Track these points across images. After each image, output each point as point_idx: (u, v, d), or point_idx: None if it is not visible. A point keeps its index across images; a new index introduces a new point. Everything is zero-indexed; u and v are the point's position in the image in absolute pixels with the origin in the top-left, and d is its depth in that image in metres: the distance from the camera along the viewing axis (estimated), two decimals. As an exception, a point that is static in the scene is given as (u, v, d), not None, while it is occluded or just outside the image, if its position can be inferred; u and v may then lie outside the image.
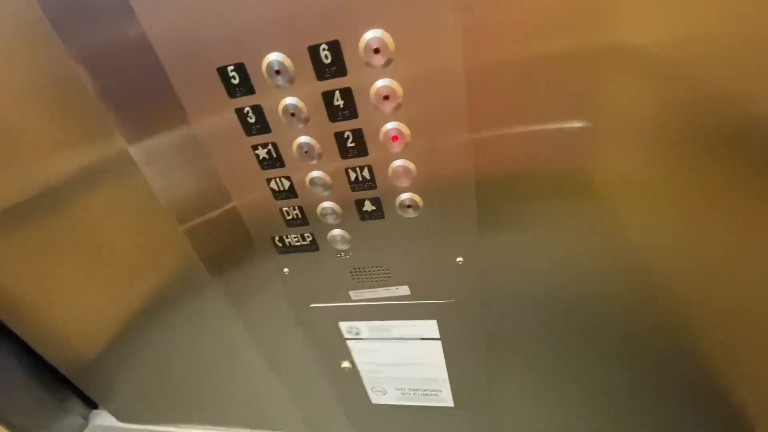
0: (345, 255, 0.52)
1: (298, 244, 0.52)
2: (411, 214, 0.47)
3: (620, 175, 0.40)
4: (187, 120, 0.43)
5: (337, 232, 0.50)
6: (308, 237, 0.52)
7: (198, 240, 0.54)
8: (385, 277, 0.53)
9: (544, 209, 0.44)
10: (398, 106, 0.39)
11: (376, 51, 0.36)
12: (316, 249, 0.52)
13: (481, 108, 0.38)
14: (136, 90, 0.42)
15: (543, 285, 0.51)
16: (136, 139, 0.46)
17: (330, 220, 0.49)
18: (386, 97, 0.38)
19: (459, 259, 0.51)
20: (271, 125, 0.42)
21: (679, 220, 0.41)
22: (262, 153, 0.44)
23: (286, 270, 0.55)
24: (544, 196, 0.43)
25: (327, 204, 0.48)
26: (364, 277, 0.54)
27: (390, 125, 0.40)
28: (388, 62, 0.36)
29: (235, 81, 0.39)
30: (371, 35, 0.35)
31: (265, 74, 0.38)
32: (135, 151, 0.47)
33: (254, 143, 0.44)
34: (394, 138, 0.40)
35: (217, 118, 0.42)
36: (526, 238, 0.47)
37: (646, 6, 0.31)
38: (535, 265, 0.49)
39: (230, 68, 0.38)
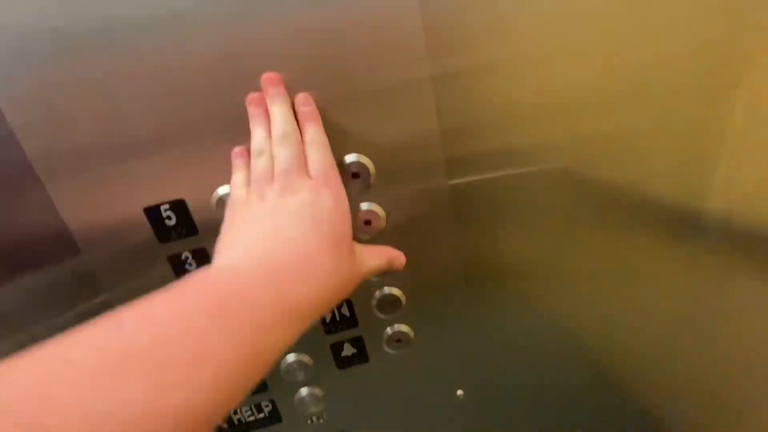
0: (318, 419, 0.40)
1: (252, 419, 0.39)
2: (399, 349, 0.39)
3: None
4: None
5: (306, 391, 0.39)
6: (267, 406, 0.39)
7: None
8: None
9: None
10: (381, 233, 0.33)
11: (355, 176, 0.31)
12: (278, 420, 0.39)
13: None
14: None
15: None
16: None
17: (298, 376, 0.38)
18: (368, 222, 0.33)
19: (459, 392, 0.43)
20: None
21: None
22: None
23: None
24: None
25: (291, 357, 0.37)
26: (347, 444, 0.42)
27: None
28: (368, 186, 0.31)
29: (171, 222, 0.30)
30: (352, 158, 0.31)
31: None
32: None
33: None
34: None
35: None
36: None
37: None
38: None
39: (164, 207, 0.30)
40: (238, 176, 0.28)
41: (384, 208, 0.33)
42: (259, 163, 0.27)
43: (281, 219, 0.24)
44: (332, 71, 0.28)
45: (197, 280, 0.20)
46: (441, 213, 0.34)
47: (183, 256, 0.31)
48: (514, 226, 0.36)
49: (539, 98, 0.31)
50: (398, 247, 0.33)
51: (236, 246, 0.23)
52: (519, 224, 0.36)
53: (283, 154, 0.26)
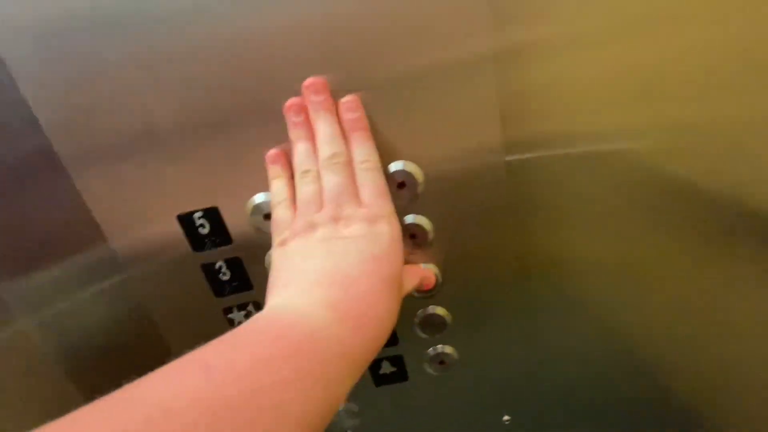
0: (353, 434, 0.38)
1: None
2: (442, 370, 0.36)
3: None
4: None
5: (341, 405, 0.37)
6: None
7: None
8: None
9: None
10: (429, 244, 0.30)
11: (401, 185, 0.27)
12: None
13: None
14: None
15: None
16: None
17: (333, 390, 0.36)
18: (413, 236, 0.29)
19: (506, 417, 0.39)
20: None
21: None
22: (238, 317, 0.32)
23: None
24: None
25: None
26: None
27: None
28: (415, 196, 0.28)
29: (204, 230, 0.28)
30: (398, 167, 0.27)
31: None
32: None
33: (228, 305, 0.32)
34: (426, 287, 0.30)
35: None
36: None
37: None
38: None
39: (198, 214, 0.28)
40: (278, 187, 0.26)
41: (431, 219, 0.29)
42: (305, 185, 0.25)
43: (338, 255, 0.22)
44: (379, 51, 0.24)
45: (269, 323, 0.20)
46: (496, 219, 0.29)
47: (217, 265, 0.30)
48: (578, 230, 0.31)
49: (624, 76, 0.25)
50: (445, 256, 0.30)
51: (293, 284, 0.22)
52: (585, 227, 0.30)
53: (332, 180, 0.24)
